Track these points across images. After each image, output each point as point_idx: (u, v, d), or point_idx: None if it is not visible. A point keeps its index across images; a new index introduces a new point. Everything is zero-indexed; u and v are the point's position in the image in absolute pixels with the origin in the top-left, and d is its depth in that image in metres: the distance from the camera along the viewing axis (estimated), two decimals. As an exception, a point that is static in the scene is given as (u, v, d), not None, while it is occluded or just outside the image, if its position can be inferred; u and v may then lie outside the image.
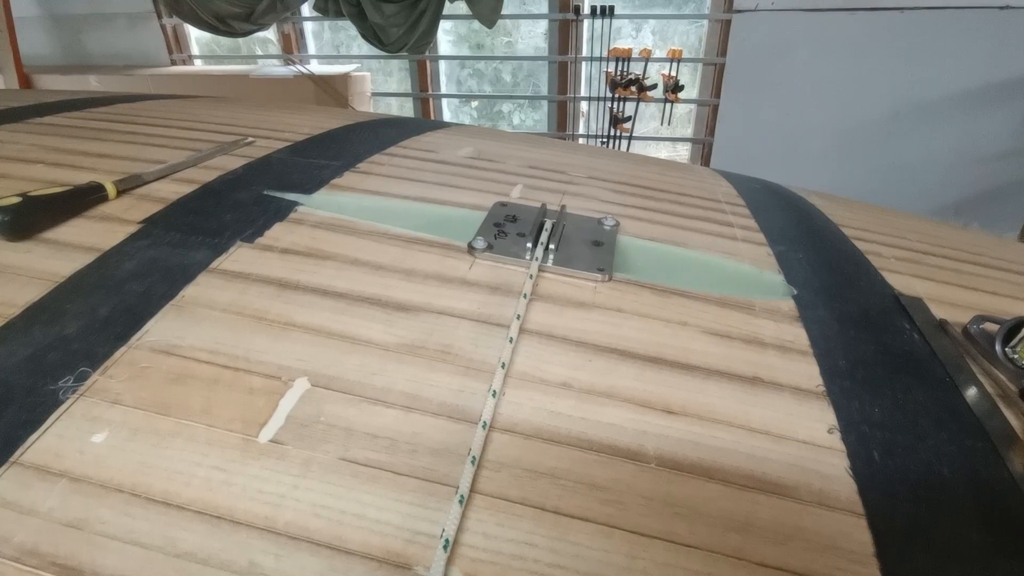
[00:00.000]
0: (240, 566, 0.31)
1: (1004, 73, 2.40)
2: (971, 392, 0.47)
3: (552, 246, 0.55)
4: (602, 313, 0.50)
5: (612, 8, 2.76)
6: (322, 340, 0.44)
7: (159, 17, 3.20)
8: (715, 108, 2.84)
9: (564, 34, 2.92)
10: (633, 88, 2.79)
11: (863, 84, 2.55)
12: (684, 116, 3.13)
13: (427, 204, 0.66)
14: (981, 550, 0.34)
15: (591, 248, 0.58)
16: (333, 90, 2.94)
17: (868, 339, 0.51)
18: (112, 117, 0.93)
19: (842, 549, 0.34)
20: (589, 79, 2.94)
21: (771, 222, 0.74)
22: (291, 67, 3.03)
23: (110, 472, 0.34)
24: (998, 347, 0.50)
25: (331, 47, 3.44)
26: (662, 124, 2.95)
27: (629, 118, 2.89)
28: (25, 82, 2.84)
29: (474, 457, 0.36)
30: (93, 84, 2.97)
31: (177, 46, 3.32)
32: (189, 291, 0.48)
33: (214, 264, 0.51)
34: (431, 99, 3.34)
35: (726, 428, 0.40)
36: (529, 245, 0.55)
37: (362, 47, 3.14)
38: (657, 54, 2.83)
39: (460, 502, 0.33)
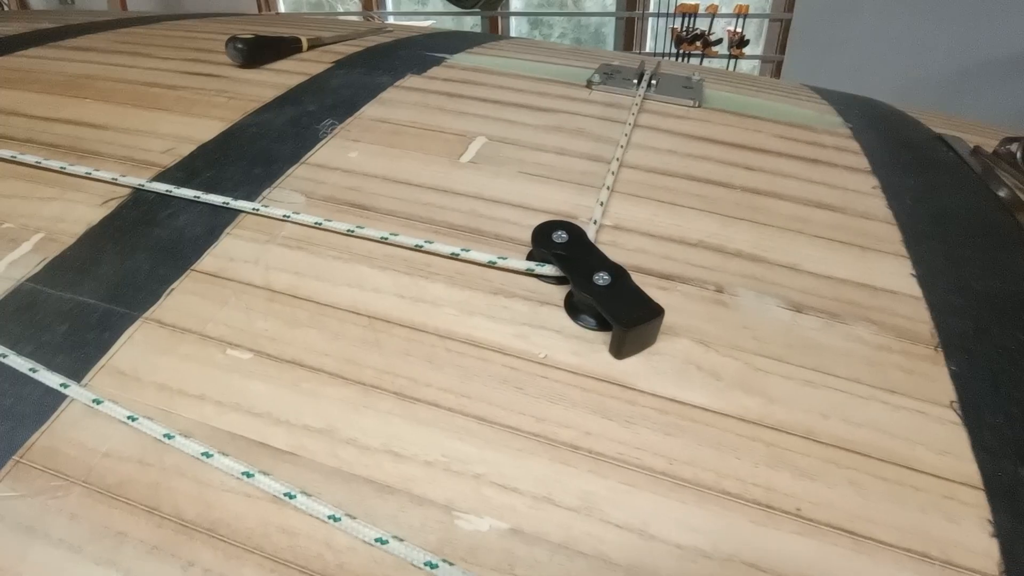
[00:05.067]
0: (471, 217, 0.47)
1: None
2: (995, 185, 0.59)
3: (654, 82, 0.69)
4: (695, 122, 0.64)
5: (681, -36, 2.82)
6: (489, 122, 0.60)
7: (251, -25, 3.44)
8: (779, 64, 2.88)
9: (632, -9, 3.01)
10: (698, 43, 2.86)
11: (931, 42, 2.55)
12: (748, 72, 3.17)
13: (544, 63, 0.81)
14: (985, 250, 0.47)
15: (683, 89, 0.72)
16: (409, 44, 3.12)
17: (912, 153, 0.64)
18: (263, 21, 1.12)
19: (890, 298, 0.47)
20: (656, 35, 3.02)
21: (835, 98, 0.86)
22: (371, 23, 3.22)
23: (368, 167, 0.51)
24: (1019, 155, 0.62)
25: (408, 3, 3.62)
26: (725, 81, 3.01)
27: (692, 74, 2.96)
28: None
29: (612, 172, 0.51)
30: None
31: (266, 3, 3.56)
32: (384, 95, 0.65)
33: (397, 83, 0.68)
34: (498, 57, 3.48)
35: (790, 180, 0.54)
36: (635, 82, 0.70)
37: (436, 3, 3.30)
38: (723, 10, 2.88)
39: (607, 189, 0.49)
